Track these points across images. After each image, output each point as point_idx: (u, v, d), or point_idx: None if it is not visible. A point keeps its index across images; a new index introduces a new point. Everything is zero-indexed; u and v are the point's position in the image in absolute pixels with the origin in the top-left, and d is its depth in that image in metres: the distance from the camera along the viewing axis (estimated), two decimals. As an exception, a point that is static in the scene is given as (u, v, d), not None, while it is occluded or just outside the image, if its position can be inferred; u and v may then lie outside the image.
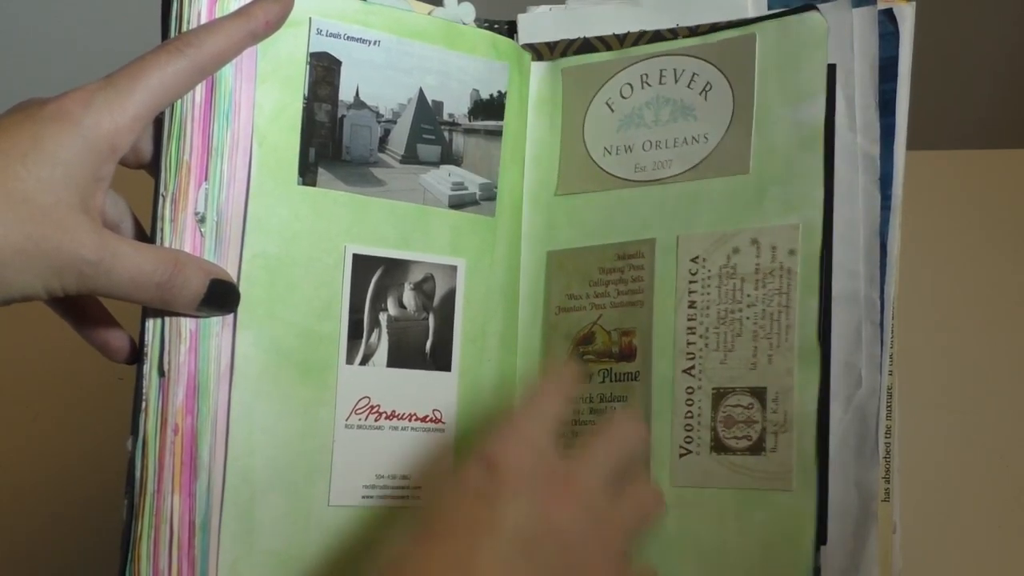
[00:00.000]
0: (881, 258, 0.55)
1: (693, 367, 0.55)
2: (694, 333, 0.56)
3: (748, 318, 0.55)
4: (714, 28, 0.58)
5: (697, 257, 0.56)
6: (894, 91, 0.55)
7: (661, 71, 0.59)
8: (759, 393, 0.54)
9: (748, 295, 0.55)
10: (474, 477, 0.47)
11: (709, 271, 0.56)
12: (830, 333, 0.54)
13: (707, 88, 0.57)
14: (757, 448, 0.54)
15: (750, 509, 0.53)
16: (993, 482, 0.76)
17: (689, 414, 0.55)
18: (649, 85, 0.59)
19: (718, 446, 0.54)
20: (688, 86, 0.58)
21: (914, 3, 0.56)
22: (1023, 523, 0.75)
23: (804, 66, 0.55)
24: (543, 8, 0.61)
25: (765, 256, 0.55)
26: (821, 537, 0.53)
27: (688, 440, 0.55)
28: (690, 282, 0.56)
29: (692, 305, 0.56)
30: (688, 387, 0.55)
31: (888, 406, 0.55)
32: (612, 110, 0.60)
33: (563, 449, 0.49)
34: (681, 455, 0.55)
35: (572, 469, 0.48)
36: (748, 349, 0.54)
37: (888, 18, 0.56)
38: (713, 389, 0.55)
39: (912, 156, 0.56)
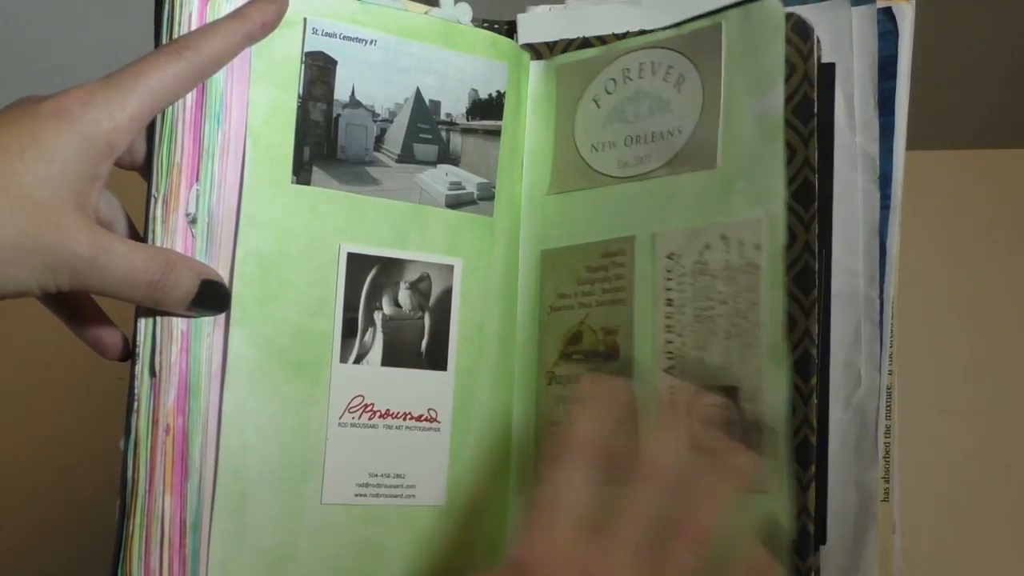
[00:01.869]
0: (880, 257, 0.55)
1: (674, 366, 0.55)
2: (671, 331, 0.55)
3: (720, 316, 0.54)
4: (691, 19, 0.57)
5: (672, 254, 0.55)
6: (893, 90, 0.55)
7: (640, 65, 0.58)
8: (732, 392, 0.53)
9: (720, 292, 0.54)
10: None
11: (684, 268, 0.55)
12: (829, 332, 0.53)
13: (680, 80, 0.57)
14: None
15: (735, 511, 0.52)
16: (993, 482, 0.76)
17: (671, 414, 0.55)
18: (630, 80, 0.58)
19: (697, 447, 0.54)
20: (664, 79, 0.57)
21: (914, 2, 0.56)
22: (1023, 523, 0.75)
23: (764, 55, 0.54)
24: (542, 8, 0.61)
25: (734, 252, 0.54)
26: (820, 537, 0.52)
27: None
28: (666, 279, 0.55)
29: (669, 303, 0.55)
30: (670, 387, 0.55)
31: (888, 406, 0.55)
32: (598, 106, 0.59)
33: (589, 532, 0.47)
34: None
35: (606, 552, 0.47)
36: (721, 347, 0.54)
37: (887, 17, 0.56)
38: (693, 389, 0.54)
39: (912, 156, 0.56)
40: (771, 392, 0.52)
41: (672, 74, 0.57)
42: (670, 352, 0.55)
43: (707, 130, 0.56)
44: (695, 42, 0.57)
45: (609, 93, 0.59)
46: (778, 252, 0.53)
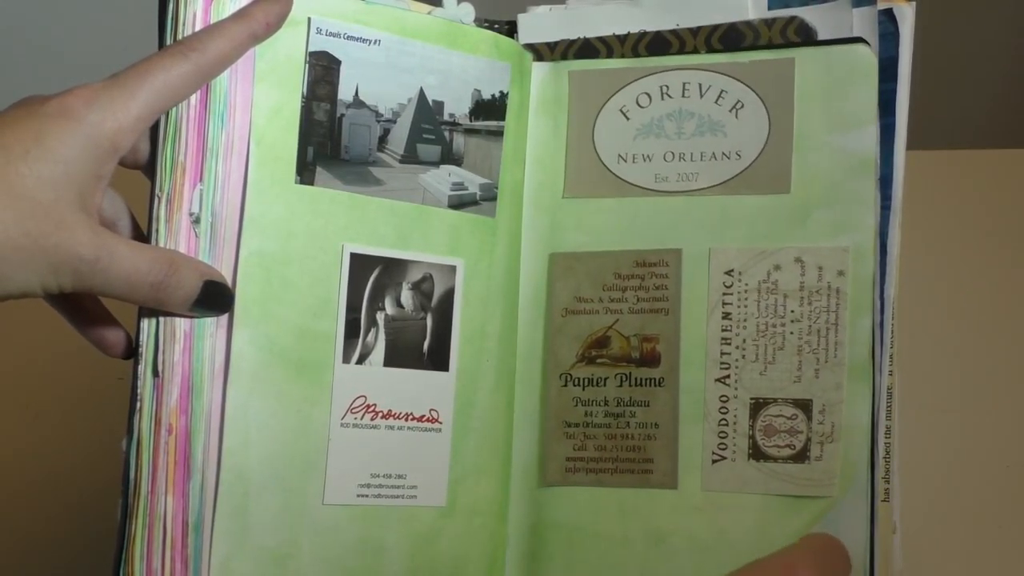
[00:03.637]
0: (881, 258, 0.55)
1: (728, 376, 0.56)
2: (729, 344, 0.56)
3: (792, 333, 0.55)
4: (731, 44, 0.58)
5: (732, 270, 0.56)
6: (894, 91, 0.55)
7: (684, 84, 0.59)
8: (804, 405, 0.55)
9: (792, 311, 0.55)
10: None
11: (746, 285, 0.56)
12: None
13: (738, 106, 0.57)
14: (801, 456, 0.54)
15: (791, 514, 0.54)
16: (993, 482, 0.76)
17: (724, 422, 0.56)
18: (670, 97, 0.59)
19: (757, 453, 0.55)
20: (716, 102, 0.58)
21: (914, 3, 0.56)
22: (1023, 523, 0.75)
23: (853, 96, 0.55)
24: (543, 8, 0.61)
25: (811, 275, 0.55)
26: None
27: (722, 447, 0.55)
28: (724, 294, 0.56)
29: (727, 316, 0.56)
30: (722, 395, 0.56)
31: (888, 406, 0.55)
32: (627, 118, 0.59)
33: None
34: (714, 461, 0.55)
35: None
36: (791, 362, 0.55)
37: (888, 18, 0.56)
38: (751, 399, 0.55)
39: (912, 156, 0.56)
40: (853, 406, 0.54)
41: (726, 99, 0.58)
42: (725, 363, 0.56)
43: (777, 157, 0.57)
44: (758, 72, 0.57)
45: (642, 107, 0.59)
46: (866, 279, 0.54)
